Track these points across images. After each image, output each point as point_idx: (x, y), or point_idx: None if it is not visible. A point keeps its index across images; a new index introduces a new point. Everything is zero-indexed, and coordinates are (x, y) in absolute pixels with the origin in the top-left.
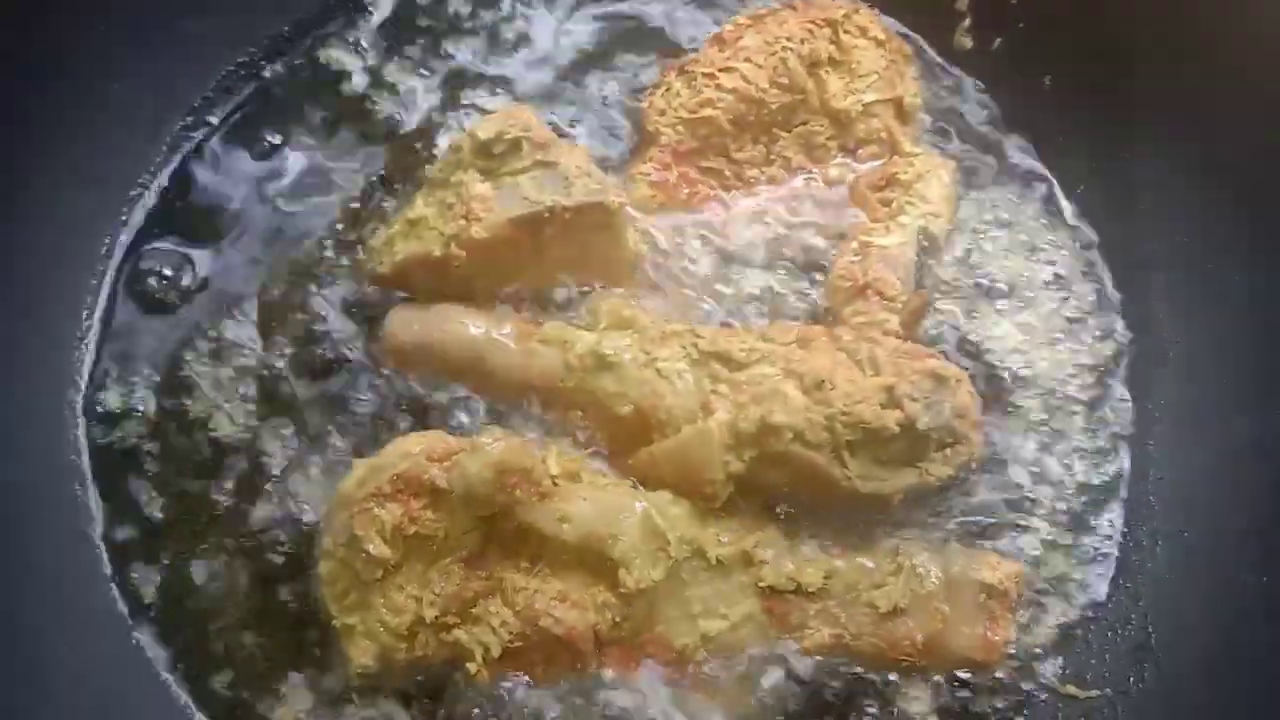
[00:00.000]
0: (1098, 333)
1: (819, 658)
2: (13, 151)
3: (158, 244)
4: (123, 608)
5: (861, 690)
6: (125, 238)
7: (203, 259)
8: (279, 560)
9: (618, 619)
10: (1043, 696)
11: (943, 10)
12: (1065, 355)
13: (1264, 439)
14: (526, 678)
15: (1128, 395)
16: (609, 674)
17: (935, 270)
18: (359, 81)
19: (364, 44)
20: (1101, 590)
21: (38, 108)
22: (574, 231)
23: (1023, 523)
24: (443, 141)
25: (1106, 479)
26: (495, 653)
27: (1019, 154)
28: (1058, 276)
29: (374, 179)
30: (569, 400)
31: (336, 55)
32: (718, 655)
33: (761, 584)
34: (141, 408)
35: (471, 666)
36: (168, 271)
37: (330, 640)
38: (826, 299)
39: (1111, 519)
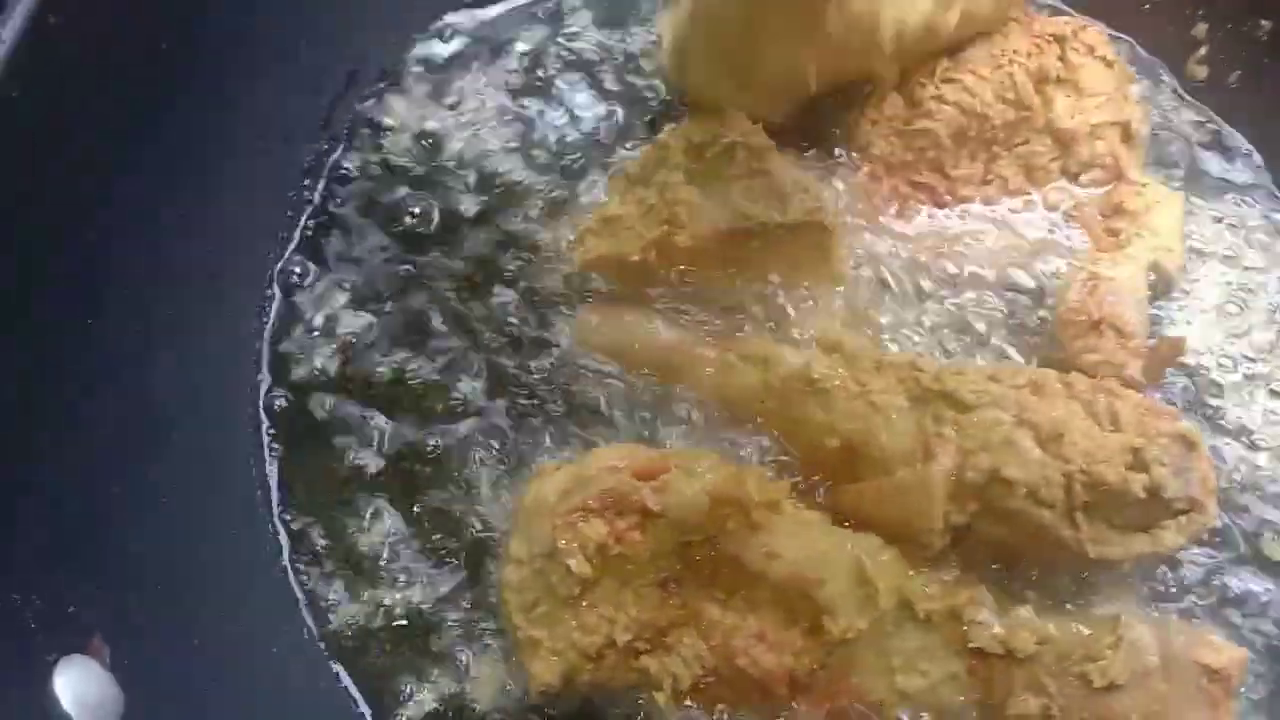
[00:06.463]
0: None
1: None
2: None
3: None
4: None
5: None
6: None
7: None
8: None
9: (815, 665)
10: None
11: (1178, 35)
12: None
13: None
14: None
15: None
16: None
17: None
18: None
19: None
20: None
21: None
22: (783, 246)
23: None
24: None
25: None
26: (685, 685)
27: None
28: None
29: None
30: (766, 422)
31: None
32: (913, 713)
33: (970, 644)
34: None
35: (659, 696)
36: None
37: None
38: (1057, 331)
39: None
